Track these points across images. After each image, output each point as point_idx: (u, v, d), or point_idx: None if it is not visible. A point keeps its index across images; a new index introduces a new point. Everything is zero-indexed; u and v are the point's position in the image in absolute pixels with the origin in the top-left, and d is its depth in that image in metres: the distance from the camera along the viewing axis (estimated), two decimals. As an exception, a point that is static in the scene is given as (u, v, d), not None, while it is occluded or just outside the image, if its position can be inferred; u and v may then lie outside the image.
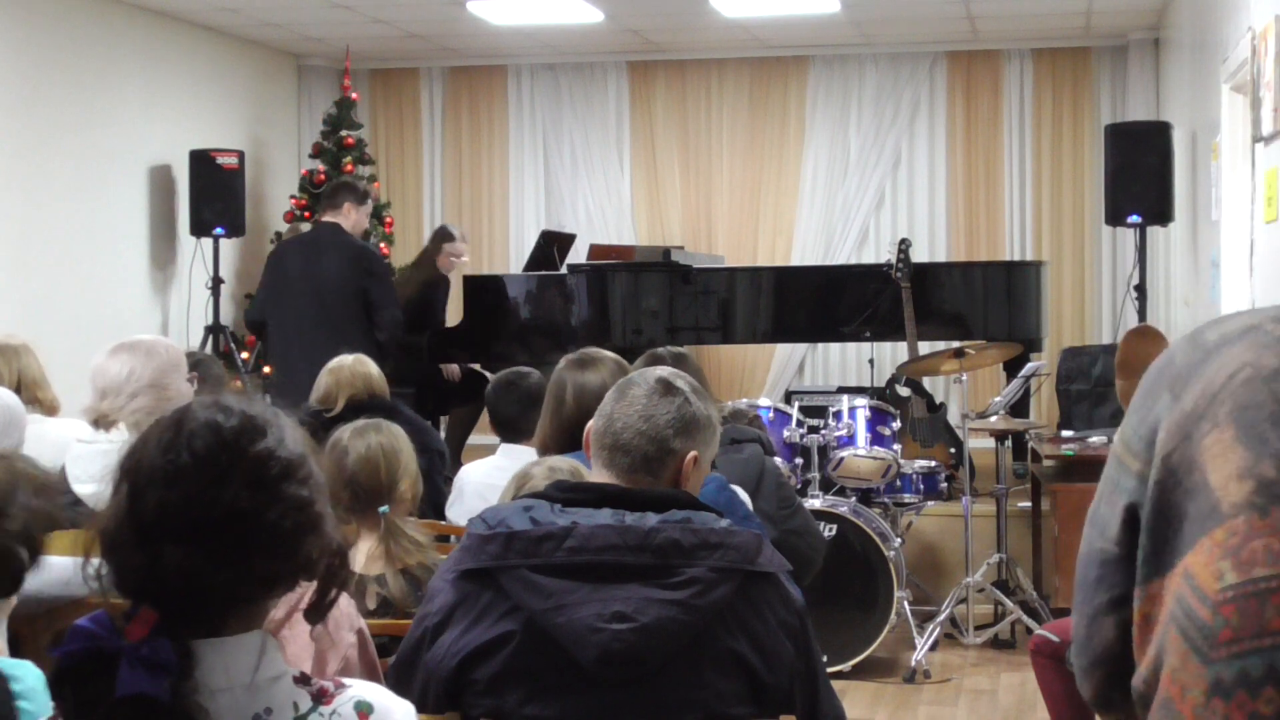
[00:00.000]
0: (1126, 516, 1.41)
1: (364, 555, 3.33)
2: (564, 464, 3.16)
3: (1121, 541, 1.42)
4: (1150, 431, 1.33)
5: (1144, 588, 1.31)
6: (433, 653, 2.29)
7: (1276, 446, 1.15)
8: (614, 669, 2.18)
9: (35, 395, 4.59)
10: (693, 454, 2.44)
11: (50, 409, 4.64)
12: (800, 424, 6.68)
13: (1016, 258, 9.84)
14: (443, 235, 8.72)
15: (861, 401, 6.88)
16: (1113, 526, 1.45)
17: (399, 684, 2.36)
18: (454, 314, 9.64)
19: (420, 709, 2.28)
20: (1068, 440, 7.22)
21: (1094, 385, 7.91)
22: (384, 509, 3.37)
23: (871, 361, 9.06)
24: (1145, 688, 1.29)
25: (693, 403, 2.46)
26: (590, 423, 2.51)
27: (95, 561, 1.62)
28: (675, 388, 2.46)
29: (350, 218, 7.39)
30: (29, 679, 2.01)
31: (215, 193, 8.92)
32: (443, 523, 4.36)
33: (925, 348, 7.58)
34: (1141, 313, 8.30)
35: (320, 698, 1.66)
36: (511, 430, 4.56)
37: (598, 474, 2.44)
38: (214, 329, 8.97)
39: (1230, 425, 1.19)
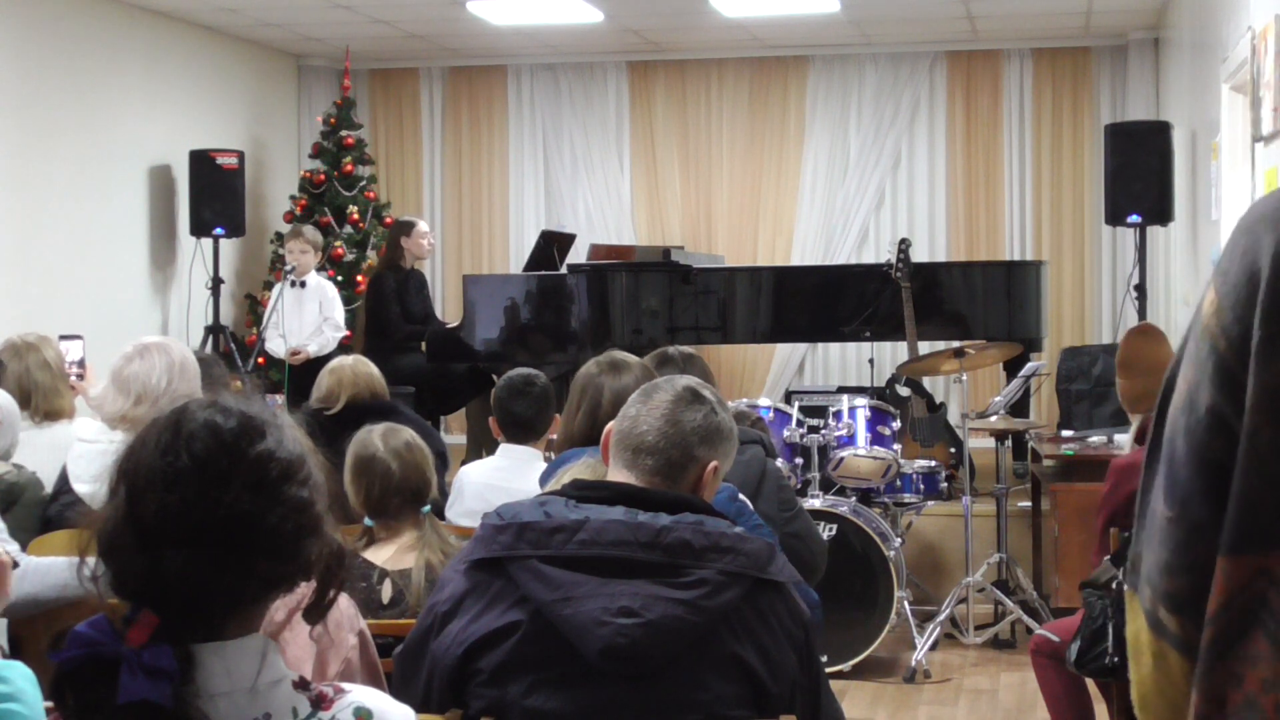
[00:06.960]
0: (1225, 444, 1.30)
1: (395, 549, 3.33)
2: None
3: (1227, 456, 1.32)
4: (1250, 283, 1.26)
5: (1230, 559, 1.24)
6: (439, 641, 2.30)
7: None
8: (617, 663, 2.19)
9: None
10: (714, 464, 2.45)
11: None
12: (800, 424, 6.68)
13: (1016, 257, 9.83)
14: (402, 228, 8.80)
15: (861, 401, 6.87)
16: (1215, 446, 1.34)
17: (404, 671, 2.37)
18: (454, 313, 9.65)
19: (424, 698, 2.29)
20: (1068, 440, 7.22)
21: (1094, 385, 7.90)
22: (426, 508, 3.37)
23: (871, 361, 9.05)
24: (1216, 645, 1.23)
25: (718, 413, 2.48)
26: (610, 423, 2.51)
27: (91, 562, 1.60)
28: (703, 397, 2.47)
29: None
30: (18, 679, 1.98)
31: (215, 193, 8.92)
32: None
33: (925, 347, 7.57)
34: (1141, 312, 8.29)
35: (319, 703, 1.65)
36: (525, 431, 4.53)
37: (616, 474, 2.44)
38: (214, 329, 8.97)
39: None
